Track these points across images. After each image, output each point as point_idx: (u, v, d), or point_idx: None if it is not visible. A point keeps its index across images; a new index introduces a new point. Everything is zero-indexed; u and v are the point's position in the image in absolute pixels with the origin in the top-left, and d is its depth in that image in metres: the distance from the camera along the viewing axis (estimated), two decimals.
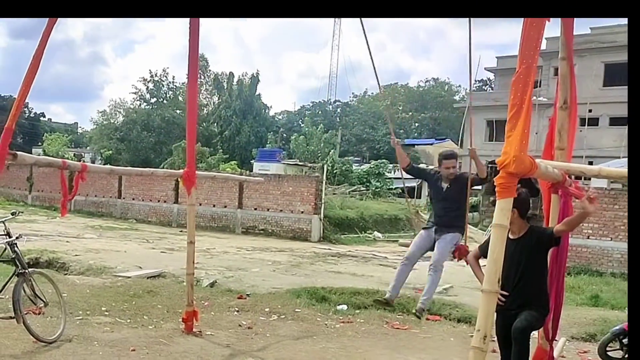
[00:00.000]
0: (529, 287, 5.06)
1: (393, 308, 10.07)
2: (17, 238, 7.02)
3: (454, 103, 67.04)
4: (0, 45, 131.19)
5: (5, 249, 7.00)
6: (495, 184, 3.61)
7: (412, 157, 59.34)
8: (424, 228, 7.62)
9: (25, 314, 6.84)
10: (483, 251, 5.28)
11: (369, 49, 7.01)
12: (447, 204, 7.34)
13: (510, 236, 3.93)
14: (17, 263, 6.91)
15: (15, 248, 6.94)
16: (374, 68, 7.13)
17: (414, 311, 7.63)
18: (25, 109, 68.67)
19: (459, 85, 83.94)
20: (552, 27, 4.89)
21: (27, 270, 6.98)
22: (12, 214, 7.57)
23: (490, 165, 31.11)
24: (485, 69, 55.66)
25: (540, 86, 38.84)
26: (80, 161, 8.59)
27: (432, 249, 7.35)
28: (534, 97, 4.12)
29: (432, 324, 9.54)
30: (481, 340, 3.57)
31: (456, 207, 7.26)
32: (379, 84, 9.92)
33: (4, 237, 6.97)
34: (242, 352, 7.33)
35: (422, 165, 48.19)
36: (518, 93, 3.55)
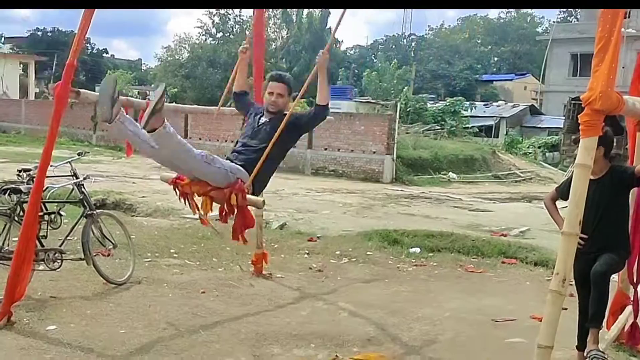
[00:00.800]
0: (609, 229, 4.94)
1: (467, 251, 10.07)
2: (84, 179, 7.20)
3: (537, 35, 64.98)
4: None
5: (73, 189, 7.21)
6: (579, 121, 3.51)
7: (490, 94, 58.38)
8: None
9: (94, 255, 7.08)
10: (561, 193, 5.15)
11: None
12: (252, 143, 5.69)
13: (591, 176, 3.82)
14: (85, 204, 7.11)
15: (83, 189, 7.13)
16: None
17: None
18: (88, 45, 69.56)
19: (542, 17, 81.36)
20: None
21: (95, 212, 7.19)
22: (79, 154, 7.73)
23: (573, 101, 30.34)
24: None
25: (629, 17, 37.19)
26: (145, 99, 8.70)
27: None
28: (623, 29, 3.86)
29: (508, 267, 9.44)
30: (560, 283, 3.53)
31: (259, 149, 5.54)
32: None
33: (71, 177, 7.17)
34: (312, 295, 7.44)
35: (500, 102, 47.36)
36: (606, 25, 3.41)
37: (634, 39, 34.47)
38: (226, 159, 5.55)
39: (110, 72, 57.40)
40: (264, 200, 5.60)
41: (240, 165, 5.45)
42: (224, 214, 5.45)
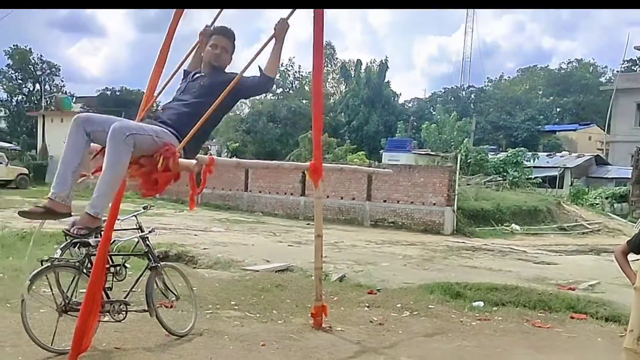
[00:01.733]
0: None
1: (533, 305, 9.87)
2: (149, 232, 7.37)
3: (600, 86, 64.18)
4: (129, 39, 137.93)
5: (138, 242, 7.39)
6: None
7: (553, 144, 57.55)
8: None
9: (158, 307, 7.20)
10: (633, 246, 5.04)
11: None
12: (183, 97, 5.30)
13: None
14: (150, 257, 7.25)
15: (148, 242, 7.29)
16: None
17: None
18: (155, 103, 71.71)
19: (605, 66, 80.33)
20: None
21: (159, 264, 7.33)
22: (144, 207, 7.94)
23: None
24: (635, 47, 53.03)
25: None
26: (207, 154, 8.91)
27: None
28: None
29: (577, 322, 9.18)
30: (635, 341, 3.45)
31: (192, 104, 5.14)
32: None
33: (137, 231, 7.35)
34: (373, 349, 7.37)
35: (564, 153, 46.65)
36: None
37: None
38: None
39: None
40: (197, 162, 4.95)
41: (168, 121, 5.03)
42: (149, 185, 4.95)
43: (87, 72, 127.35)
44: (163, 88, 5.85)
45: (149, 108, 5.66)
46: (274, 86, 63.66)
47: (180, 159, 4.80)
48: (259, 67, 5.24)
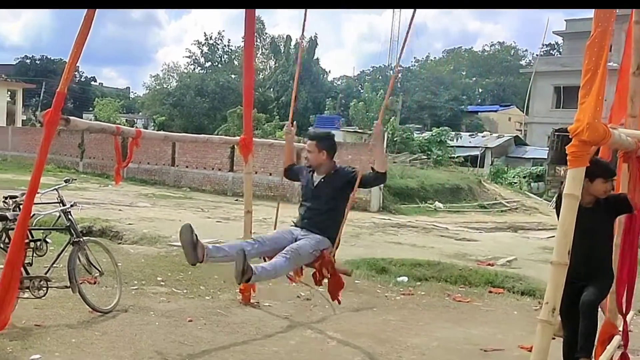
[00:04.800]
0: (598, 257, 5.00)
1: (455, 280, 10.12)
2: (71, 206, 7.13)
3: (520, 68, 65.87)
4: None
5: (59, 216, 7.15)
6: (567, 152, 3.55)
7: (475, 125, 58.78)
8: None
9: (81, 283, 6.98)
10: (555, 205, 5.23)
11: None
12: (315, 204, 6.05)
13: (582, 204, 3.86)
14: (72, 231, 7.03)
15: (70, 216, 7.06)
16: None
17: None
18: (76, 73, 69.73)
19: (526, 50, 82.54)
20: None
21: (81, 239, 7.12)
22: (66, 181, 7.68)
23: (557, 133, 30.58)
24: (553, 32, 54.47)
25: (611, 51, 37.84)
26: (132, 127, 8.69)
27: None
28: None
29: (495, 296, 9.45)
30: (549, 313, 3.53)
31: (326, 210, 5.93)
32: None
33: (58, 205, 7.10)
34: (301, 324, 7.38)
35: (485, 133, 47.66)
36: (593, 58, 3.50)
37: (616, 72, 34.91)
38: (295, 226, 6.05)
39: (99, 100, 57.31)
40: (352, 270, 6.32)
41: (316, 231, 5.83)
42: (317, 279, 5.94)
43: (5, 39, 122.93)
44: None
45: (70, 78, 5.47)
46: (203, 60, 62.88)
47: (335, 265, 5.94)
48: (372, 167, 5.89)
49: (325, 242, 5.79)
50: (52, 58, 72.46)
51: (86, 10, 5.35)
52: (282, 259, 5.45)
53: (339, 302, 6.20)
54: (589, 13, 3.73)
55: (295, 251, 5.56)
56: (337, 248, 5.90)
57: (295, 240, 5.77)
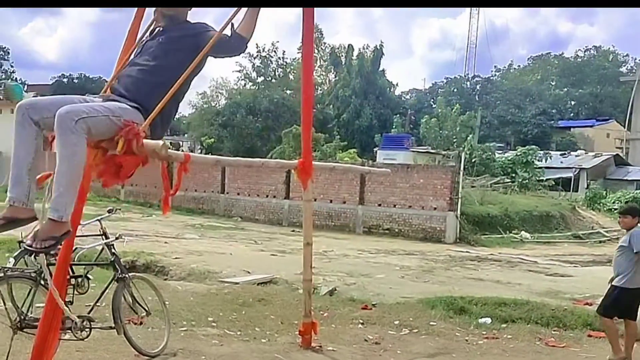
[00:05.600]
0: None
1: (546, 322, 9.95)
2: (116, 239, 7.31)
3: (621, 76, 64.64)
4: (89, 18, 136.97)
5: (102, 250, 7.34)
6: None
7: (568, 142, 57.90)
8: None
9: (126, 323, 7.12)
10: None
11: None
12: (140, 60, 4.83)
13: None
14: (116, 267, 7.18)
15: (114, 250, 7.23)
16: None
17: None
18: None
19: (627, 55, 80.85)
20: None
21: (127, 275, 7.27)
22: (109, 211, 7.83)
23: None
24: None
25: None
26: (179, 149, 8.87)
27: None
28: None
29: (596, 341, 9.25)
30: None
31: (152, 69, 4.72)
32: None
33: (101, 237, 7.27)
34: None
35: (579, 152, 46.86)
36: None
37: None
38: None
39: None
40: (164, 143, 4.61)
41: (125, 93, 4.69)
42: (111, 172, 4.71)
43: (41, 57, 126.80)
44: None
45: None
46: (255, 75, 63.61)
47: (145, 140, 4.47)
48: (232, 25, 4.84)
49: (132, 112, 4.55)
50: (90, 76, 74.20)
51: (130, 24, 5.54)
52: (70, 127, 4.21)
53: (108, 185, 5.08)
54: None
55: (82, 116, 4.23)
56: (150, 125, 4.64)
57: None
